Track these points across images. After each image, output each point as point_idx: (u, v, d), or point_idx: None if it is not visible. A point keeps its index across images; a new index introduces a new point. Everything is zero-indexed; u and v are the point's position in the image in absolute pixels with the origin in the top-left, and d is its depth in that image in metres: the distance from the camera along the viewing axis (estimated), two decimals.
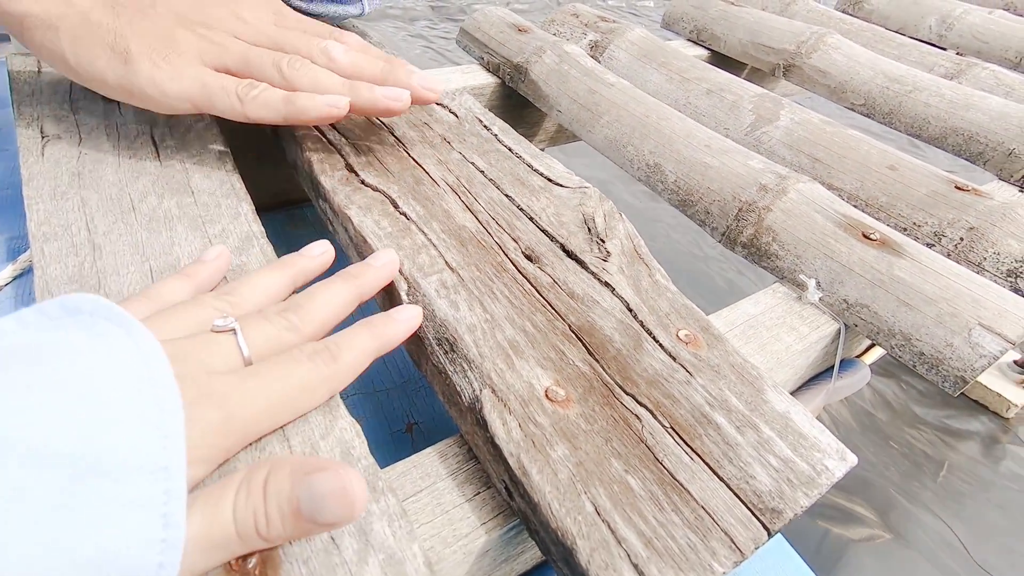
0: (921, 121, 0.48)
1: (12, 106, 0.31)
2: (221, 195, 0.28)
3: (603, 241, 0.26)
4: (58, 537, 0.12)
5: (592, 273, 0.25)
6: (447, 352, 0.22)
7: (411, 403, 0.32)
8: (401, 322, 0.22)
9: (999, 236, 0.32)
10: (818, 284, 0.30)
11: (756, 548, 0.17)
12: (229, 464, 0.17)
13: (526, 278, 0.24)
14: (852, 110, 0.53)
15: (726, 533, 0.17)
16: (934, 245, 0.34)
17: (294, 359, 0.18)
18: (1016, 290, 0.31)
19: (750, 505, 0.18)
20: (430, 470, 0.20)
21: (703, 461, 0.19)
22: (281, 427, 0.18)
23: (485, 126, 0.35)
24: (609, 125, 0.41)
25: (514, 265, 0.25)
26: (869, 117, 0.52)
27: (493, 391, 0.20)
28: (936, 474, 0.79)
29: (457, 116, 0.36)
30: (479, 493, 0.20)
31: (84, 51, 0.25)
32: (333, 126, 0.33)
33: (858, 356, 0.35)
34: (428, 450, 0.21)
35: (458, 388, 0.21)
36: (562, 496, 0.17)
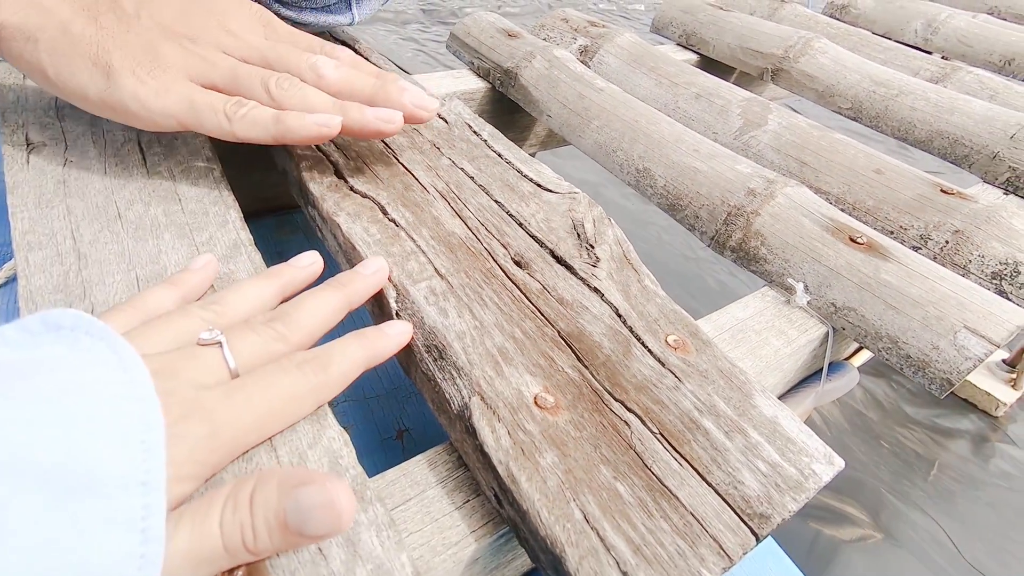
0: (908, 125, 0.48)
1: None
2: (209, 202, 0.28)
3: (592, 247, 0.26)
4: (37, 552, 0.12)
5: (581, 279, 0.25)
6: (436, 359, 0.22)
7: (402, 410, 0.31)
8: (391, 336, 0.21)
9: (984, 239, 0.33)
10: (806, 288, 0.30)
11: (744, 554, 0.17)
12: (216, 476, 0.17)
13: (515, 284, 0.24)
14: (839, 114, 0.53)
15: (715, 539, 0.17)
16: (920, 248, 0.34)
17: (282, 369, 0.18)
18: (1001, 292, 0.32)
19: (738, 510, 0.18)
20: (419, 478, 0.20)
21: (692, 467, 0.19)
22: (269, 438, 0.18)
23: (475, 132, 0.35)
24: (599, 130, 0.42)
25: (503, 271, 0.25)
26: (856, 121, 0.52)
27: (482, 398, 0.20)
28: (927, 473, 0.79)
29: (447, 122, 0.36)
30: (469, 501, 0.20)
31: (64, 64, 0.24)
32: None
33: (846, 359, 0.35)
34: (417, 458, 0.21)
35: (447, 395, 0.21)
36: (551, 504, 0.17)
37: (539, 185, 0.30)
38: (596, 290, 0.24)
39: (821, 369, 0.32)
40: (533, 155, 0.60)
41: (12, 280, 0.30)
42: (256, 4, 0.30)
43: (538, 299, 0.24)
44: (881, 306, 0.28)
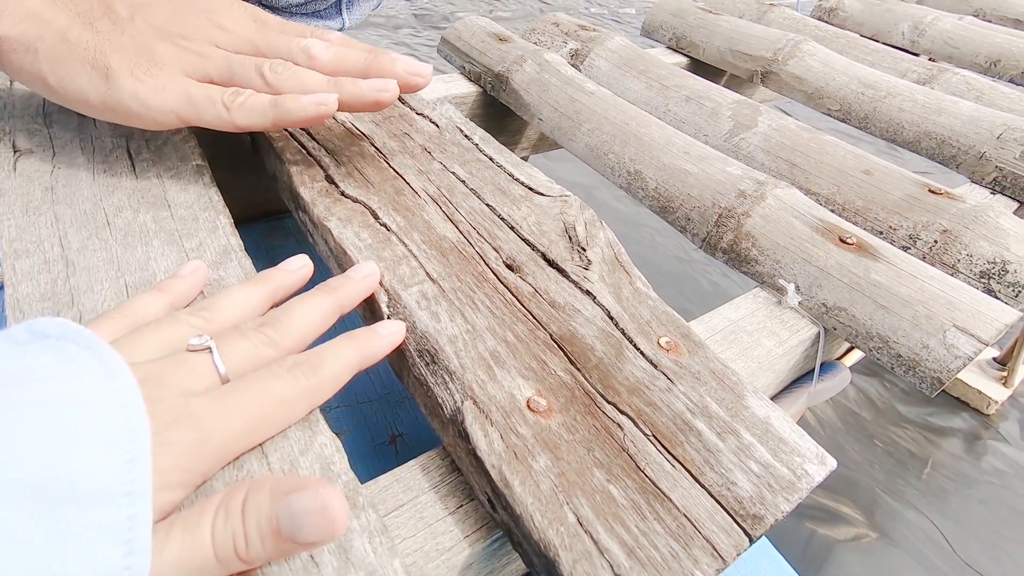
0: (896, 126, 0.49)
1: None
2: (199, 208, 0.27)
3: (584, 249, 0.27)
4: (19, 564, 0.11)
5: (573, 282, 0.25)
6: (428, 364, 0.22)
7: (395, 415, 0.31)
8: (384, 337, 0.21)
9: (971, 238, 0.33)
10: (797, 288, 0.30)
11: (738, 555, 0.17)
12: (207, 484, 0.17)
13: (507, 288, 0.24)
14: (829, 115, 0.54)
15: (708, 541, 0.17)
16: (909, 248, 0.34)
17: (272, 374, 0.18)
18: (989, 291, 0.32)
19: (731, 512, 0.18)
20: (412, 483, 0.20)
21: (685, 468, 0.19)
22: (260, 444, 0.18)
23: (466, 135, 0.35)
24: (590, 133, 0.42)
25: (495, 275, 0.25)
26: (845, 122, 0.52)
27: (475, 402, 0.20)
28: (920, 471, 0.80)
29: (438, 126, 0.36)
30: (462, 506, 0.20)
31: (64, 71, 0.25)
32: (313, 137, 0.33)
33: (838, 358, 0.35)
34: (410, 463, 0.21)
35: (440, 400, 0.21)
36: (544, 507, 0.17)
37: (530, 188, 0.31)
38: (588, 293, 0.24)
39: (813, 369, 0.32)
40: (525, 159, 0.60)
41: None
42: (246, 2, 0.30)
43: (530, 302, 0.24)
44: (871, 306, 0.29)
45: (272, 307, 0.22)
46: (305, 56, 0.28)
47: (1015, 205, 0.43)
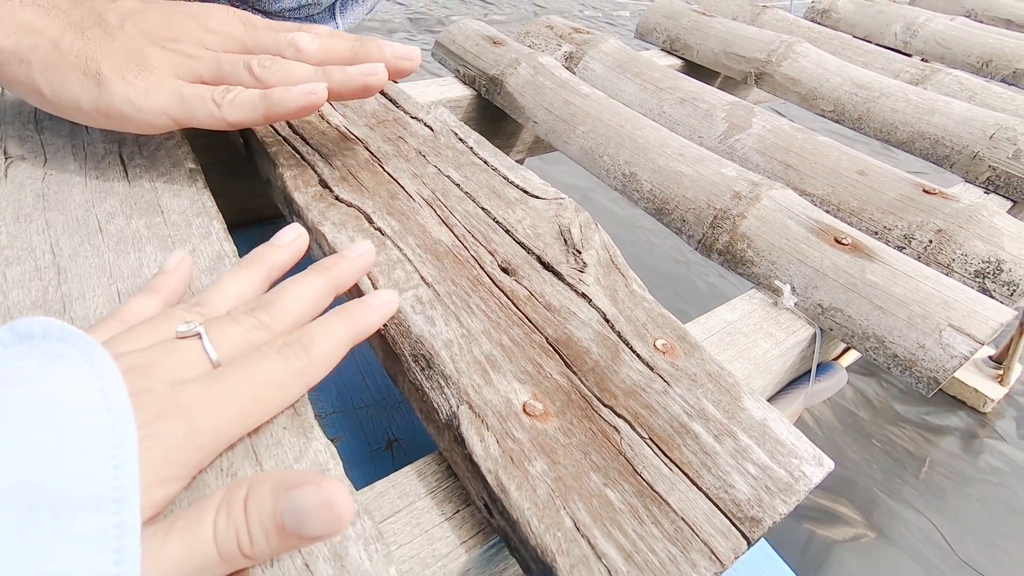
0: (889, 126, 0.49)
1: None
2: (192, 214, 0.27)
3: (579, 252, 0.26)
4: (7, 574, 0.11)
5: (569, 284, 0.25)
6: (423, 368, 0.21)
7: (391, 420, 0.31)
8: (376, 307, 0.21)
9: (966, 238, 0.33)
10: (793, 289, 0.30)
11: (736, 558, 0.17)
12: (198, 490, 0.17)
13: (502, 291, 0.24)
14: (823, 116, 0.54)
15: (706, 544, 0.17)
16: (904, 248, 0.35)
17: (262, 355, 0.18)
18: (984, 290, 0.32)
19: (729, 514, 0.18)
20: (408, 489, 0.20)
21: (682, 471, 0.19)
22: (256, 455, 0.18)
23: (460, 139, 0.35)
24: (585, 135, 0.42)
25: (490, 278, 0.25)
26: (839, 123, 0.53)
27: (470, 407, 0.20)
28: (918, 471, 0.80)
29: (432, 129, 0.36)
30: (459, 511, 0.20)
31: (57, 79, 0.25)
32: (306, 141, 0.33)
33: (835, 359, 0.35)
34: (406, 469, 0.21)
35: (435, 405, 0.21)
36: (541, 512, 0.17)
37: (525, 191, 0.30)
38: (584, 295, 0.24)
39: (810, 370, 0.32)
40: (521, 162, 0.60)
41: None
42: (231, 8, 0.30)
43: (525, 306, 0.24)
44: (867, 306, 0.29)
45: (271, 286, 0.22)
46: (293, 49, 0.28)
47: (1009, 204, 0.43)
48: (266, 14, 0.38)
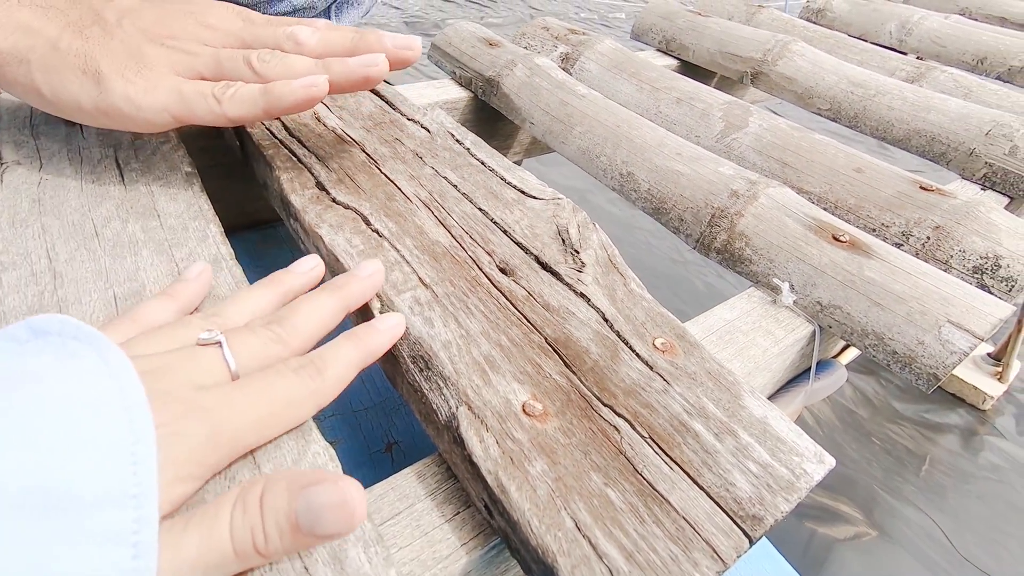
0: (886, 124, 0.49)
1: None
2: (188, 217, 0.27)
3: (577, 252, 0.26)
4: (26, 569, 0.11)
5: (567, 284, 0.25)
6: (422, 370, 0.21)
7: (390, 422, 0.31)
8: (384, 331, 0.21)
9: (964, 234, 0.33)
10: (791, 287, 0.30)
11: (738, 556, 0.17)
12: (197, 495, 0.17)
13: (501, 292, 0.24)
14: (819, 115, 0.54)
15: (707, 543, 0.17)
16: (902, 245, 0.35)
17: (279, 373, 0.18)
18: (982, 286, 0.32)
19: (731, 513, 0.18)
20: (408, 491, 0.20)
21: (683, 470, 0.18)
22: (254, 458, 0.18)
23: (457, 140, 0.35)
24: (582, 136, 0.42)
25: (488, 279, 0.25)
26: (835, 121, 0.53)
27: (469, 408, 0.20)
28: (918, 468, 0.80)
29: (429, 131, 0.35)
30: (459, 513, 0.20)
31: (56, 79, 0.25)
32: (303, 144, 0.32)
33: (834, 356, 0.35)
34: (406, 471, 0.21)
35: (434, 406, 0.21)
36: (542, 513, 0.17)
37: (523, 192, 0.30)
38: (582, 295, 0.24)
39: (809, 368, 0.32)
40: (518, 163, 0.60)
41: None
42: (232, 3, 0.30)
43: (524, 306, 0.24)
44: (866, 303, 0.28)
45: None
46: (292, 43, 0.28)
47: (1006, 201, 0.43)
48: None
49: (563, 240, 0.27)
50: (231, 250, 0.26)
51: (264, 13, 0.37)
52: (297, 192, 0.29)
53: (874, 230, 0.36)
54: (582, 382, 0.21)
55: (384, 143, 0.34)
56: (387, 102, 0.38)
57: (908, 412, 0.91)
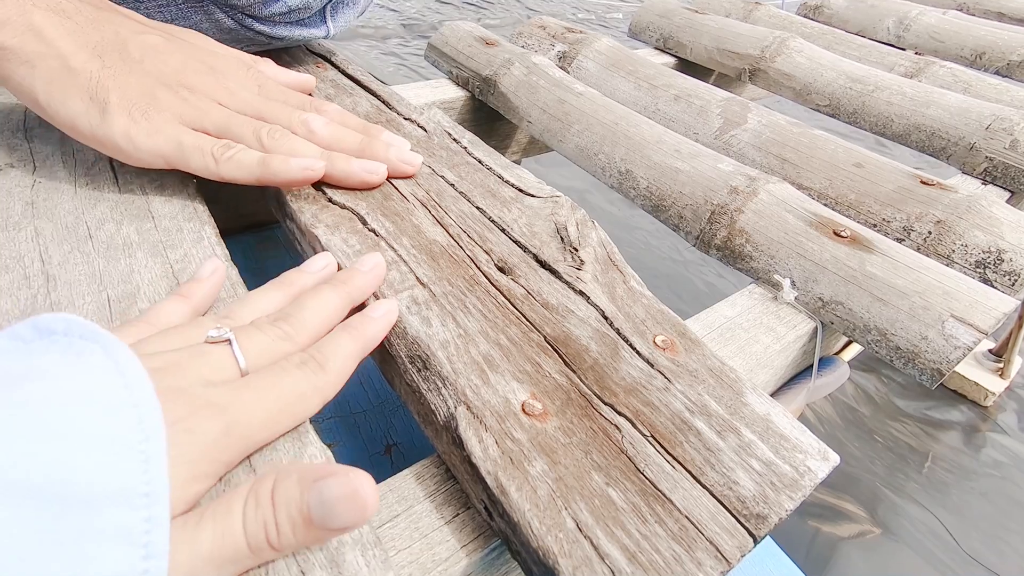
0: (885, 119, 0.49)
1: None
2: (183, 219, 0.27)
3: (576, 249, 0.26)
4: (36, 571, 0.11)
5: (566, 282, 0.25)
6: (420, 370, 0.21)
7: (389, 424, 0.31)
8: (378, 319, 0.21)
9: (966, 228, 0.33)
10: (793, 283, 0.30)
11: (742, 556, 0.17)
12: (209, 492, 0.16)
13: (499, 290, 0.24)
14: (818, 111, 0.54)
15: (711, 542, 0.16)
16: (904, 240, 0.34)
17: (285, 369, 0.18)
18: (985, 280, 0.32)
19: (734, 512, 0.17)
20: (406, 493, 0.20)
21: (685, 469, 0.18)
22: (249, 460, 0.18)
23: (454, 139, 0.35)
24: (580, 134, 0.41)
25: (487, 278, 0.25)
26: (834, 117, 0.52)
27: (468, 408, 0.19)
28: (921, 466, 0.79)
29: (426, 130, 0.35)
30: (458, 515, 0.19)
31: (59, 94, 0.25)
32: None
33: (836, 353, 0.35)
34: (404, 472, 0.21)
35: (432, 406, 0.20)
36: (542, 513, 0.17)
37: (521, 190, 0.30)
38: (581, 293, 0.24)
39: (812, 365, 0.32)
40: (517, 162, 0.60)
41: None
42: (251, 66, 0.31)
43: (523, 304, 0.23)
44: (868, 299, 0.28)
45: None
46: (305, 129, 0.29)
47: (1007, 195, 0.43)
48: (258, 19, 0.38)
49: (562, 238, 0.27)
50: (227, 252, 0.26)
51: (259, 13, 0.37)
52: (293, 192, 0.29)
53: (875, 225, 0.36)
54: (582, 381, 0.21)
55: None
56: (383, 102, 0.38)
57: (910, 409, 0.91)
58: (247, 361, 0.18)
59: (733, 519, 0.17)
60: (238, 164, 0.26)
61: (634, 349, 0.22)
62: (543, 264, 0.25)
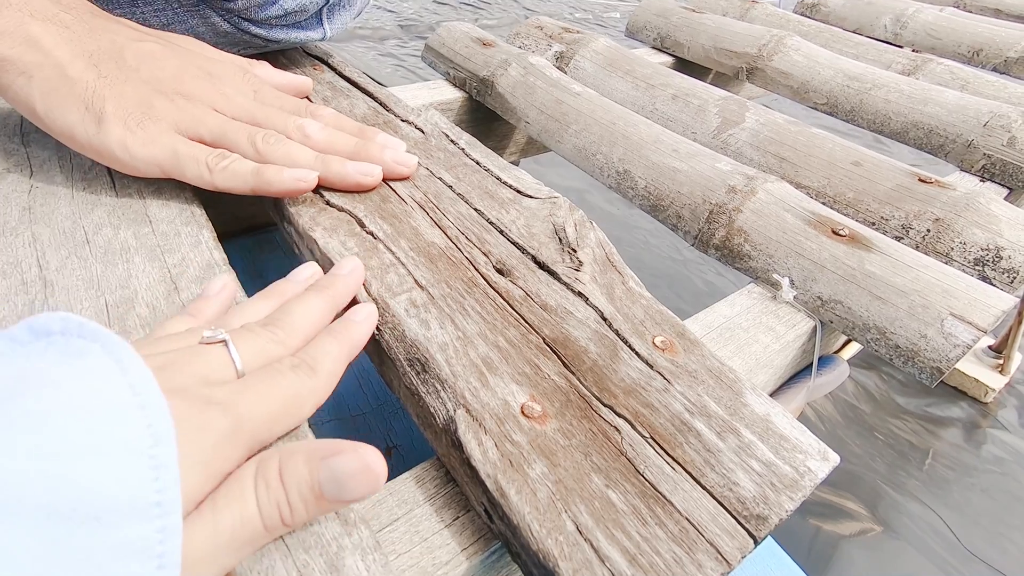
0: (883, 117, 0.49)
1: None
2: (180, 223, 0.27)
3: (575, 251, 0.26)
4: None
5: (565, 284, 0.25)
6: (419, 373, 0.21)
7: (389, 426, 0.31)
8: (361, 322, 0.21)
9: (964, 226, 0.33)
10: (792, 283, 0.30)
11: (743, 557, 0.17)
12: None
13: (498, 292, 0.24)
14: (815, 109, 0.54)
15: (711, 544, 0.16)
16: (902, 238, 0.34)
17: (279, 372, 0.18)
18: (984, 278, 0.32)
19: (734, 513, 0.17)
20: (407, 496, 0.20)
21: (685, 470, 0.18)
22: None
23: (452, 140, 0.34)
24: (577, 134, 0.41)
25: (485, 280, 0.24)
26: (832, 115, 0.52)
27: (467, 411, 0.19)
28: (921, 463, 0.79)
29: (423, 132, 0.35)
30: (458, 518, 0.19)
31: (56, 104, 0.25)
32: None
33: (836, 352, 0.35)
34: (404, 475, 0.20)
35: (432, 410, 0.20)
36: (542, 516, 0.17)
37: (519, 191, 0.30)
38: (580, 294, 0.24)
39: (811, 364, 0.32)
40: (515, 163, 0.60)
41: None
42: (247, 71, 0.31)
43: (521, 306, 0.23)
44: (867, 297, 0.28)
45: None
46: (300, 134, 0.29)
47: (1005, 192, 0.43)
48: (253, 22, 0.38)
49: (560, 239, 0.27)
50: (224, 255, 0.26)
51: (255, 16, 0.37)
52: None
53: (874, 223, 0.35)
54: (581, 382, 0.21)
55: None
56: (380, 104, 0.38)
57: (910, 406, 0.91)
58: (242, 363, 0.18)
59: (733, 520, 0.17)
60: (232, 174, 0.26)
61: (633, 350, 0.22)
62: (541, 265, 0.25)
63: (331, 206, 0.28)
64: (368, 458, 0.15)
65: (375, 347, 0.23)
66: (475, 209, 0.29)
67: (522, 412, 0.19)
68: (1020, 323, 0.89)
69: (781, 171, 0.40)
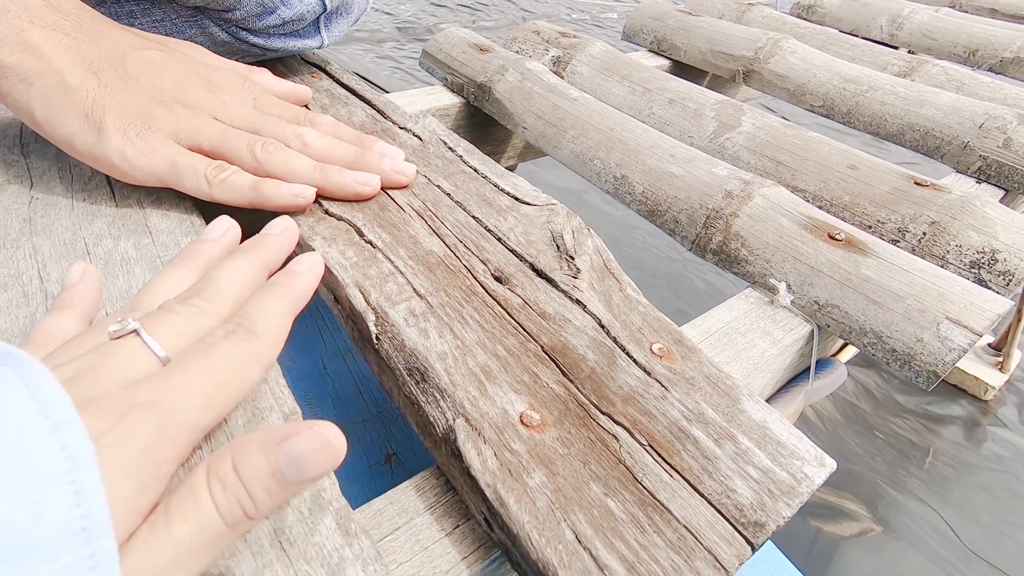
0: (879, 119, 0.49)
1: None
2: (180, 233, 0.27)
3: (572, 258, 0.26)
4: None
5: (563, 291, 0.25)
6: (418, 382, 0.21)
7: (389, 433, 0.31)
8: (303, 272, 0.21)
9: (960, 229, 0.33)
10: (789, 287, 0.30)
11: (740, 564, 0.17)
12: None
13: (496, 301, 0.24)
14: (812, 112, 0.54)
15: (709, 551, 0.17)
16: (898, 241, 0.34)
17: (210, 344, 0.17)
18: (979, 281, 0.32)
19: (732, 520, 0.17)
20: (407, 506, 0.20)
21: (683, 478, 0.18)
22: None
23: (450, 147, 0.35)
24: (575, 140, 0.42)
25: (483, 288, 0.25)
26: (829, 117, 0.53)
27: (467, 420, 0.19)
28: (922, 461, 0.80)
29: (421, 139, 0.35)
30: (459, 526, 0.19)
31: (56, 112, 0.25)
32: None
33: (833, 355, 0.35)
34: (404, 484, 0.21)
35: (431, 419, 0.20)
36: (541, 525, 0.17)
37: (516, 198, 0.30)
38: (578, 302, 0.24)
39: (809, 368, 0.32)
40: (512, 168, 0.60)
41: None
42: (248, 78, 0.32)
43: (520, 314, 0.24)
44: (863, 301, 0.28)
45: None
46: (299, 142, 0.29)
47: (1001, 193, 0.43)
48: (251, 31, 0.38)
49: (558, 246, 0.27)
50: None
51: (253, 26, 0.37)
52: None
53: (870, 227, 0.36)
54: (580, 390, 0.21)
55: None
56: (378, 111, 0.38)
57: (910, 405, 0.91)
58: (164, 348, 0.17)
59: (731, 527, 0.17)
60: (231, 187, 0.27)
61: (631, 357, 0.22)
62: (539, 273, 0.26)
63: (330, 215, 0.28)
64: (326, 434, 0.15)
65: (375, 356, 0.23)
66: (473, 217, 0.29)
67: (521, 421, 0.19)
68: (1020, 321, 0.89)
69: (778, 175, 0.40)
